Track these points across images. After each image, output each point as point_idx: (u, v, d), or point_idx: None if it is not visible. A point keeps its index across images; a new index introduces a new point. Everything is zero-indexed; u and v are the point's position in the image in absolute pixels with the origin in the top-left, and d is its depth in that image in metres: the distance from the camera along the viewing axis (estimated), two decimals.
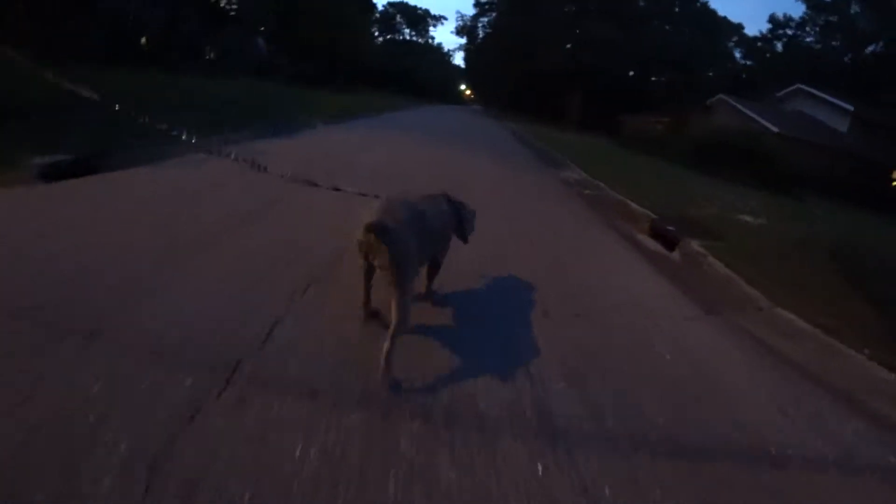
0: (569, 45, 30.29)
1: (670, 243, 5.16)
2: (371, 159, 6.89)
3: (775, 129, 19.36)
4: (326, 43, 24.85)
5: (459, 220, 2.47)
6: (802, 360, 2.95)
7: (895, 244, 8.05)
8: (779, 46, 36.92)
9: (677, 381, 2.33)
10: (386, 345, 1.72)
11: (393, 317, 1.76)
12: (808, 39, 35.71)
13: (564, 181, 8.08)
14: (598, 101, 29.95)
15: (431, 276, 2.48)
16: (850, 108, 21.42)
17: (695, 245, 4.86)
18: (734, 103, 22.94)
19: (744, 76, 35.34)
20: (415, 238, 1.87)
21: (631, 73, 31.90)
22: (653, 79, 33.55)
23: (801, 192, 14.66)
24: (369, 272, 2.00)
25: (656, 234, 5.48)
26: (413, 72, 39.57)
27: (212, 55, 19.43)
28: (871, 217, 13.60)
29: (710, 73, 35.34)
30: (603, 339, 2.65)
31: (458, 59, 59.92)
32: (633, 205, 6.39)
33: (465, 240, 2.59)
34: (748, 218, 7.06)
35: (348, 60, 27.94)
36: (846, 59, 33.24)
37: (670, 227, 5.38)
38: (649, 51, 29.99)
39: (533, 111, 30.06)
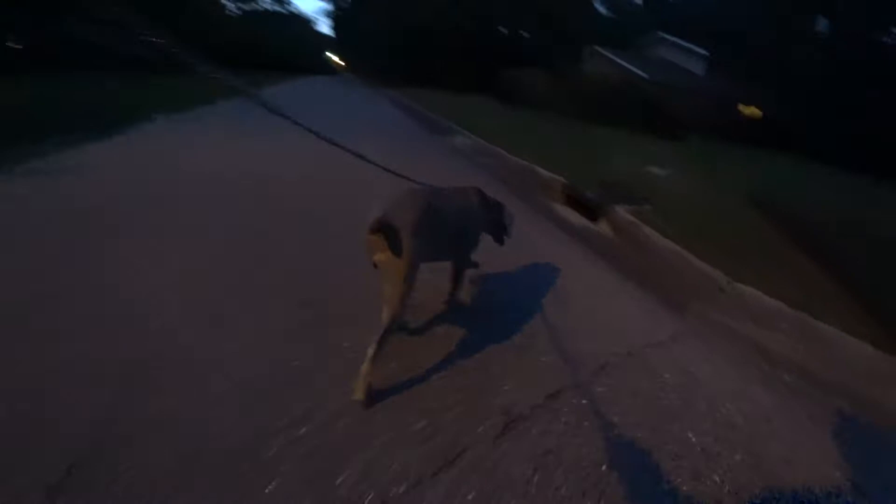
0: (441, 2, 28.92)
1: (591, 212, 4.28)
2: (220, 164, 5.06)
3: (646, 76, 20.07)
4: (166, 17, 20.81)
5: (494, 219, 2.27)
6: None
7: (813, 192, 8.14)
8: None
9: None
10: (370, 350, 1.54)
11: (383, 319, 1.58)
12: None
13: (459, 150, 6.98)
14: (474, 60, 29.26)
15: (455, 278, 2.24)
16: (707, 53, 23.04)
17: (622, 212, 4.01)
18: (606, 53, 23.49)
19: (609, 28, 36.75)
20: (425, 238, 1.63)
21: (503, 30, 31.43)
22: (524, 34, 33.46)
23: (681, 133, 15.21)
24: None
25: (573, 201, 4.59)
26: (275, 44, 35.44)
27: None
28: (743, 151, 14.50)
29: (577, 27, 36.07)
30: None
31: (326, 29, 55.92)
32: (541, 170, 5.46)
33: (500, 241, 2.38)
34: (656, 170, 6.53)
35: (197, 36, 23.66)
36: (697, 8, 35.94)
37: (588, 193, 4.51)
38: (518, 5, 29.74)
39: (410, 76, 28.48)
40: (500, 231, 2.31)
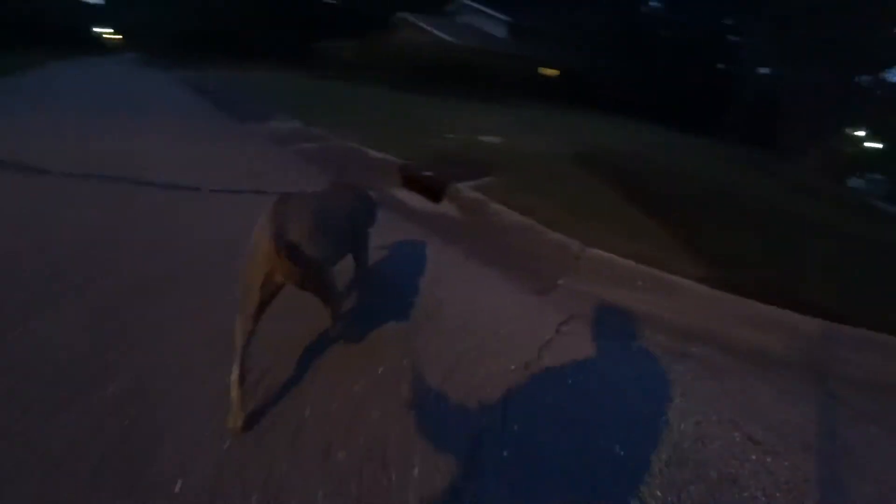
0: None
1: (434, 193, 3.94)
2: None
3: (457, 41, 20.59)
4: None
5: (371, 211, 2.16)
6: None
7: (634, 147, 8.96)
8: None
9: None
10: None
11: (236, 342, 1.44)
12: None
13: (275, 137, 6.00)
14: (281, 31, 26.79)
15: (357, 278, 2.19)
16: (508, 18, 24.60)
17: (466, 190, 3.74)
18: (414, 20, 23.46)
19: None
20: (327, 243, 1.56)
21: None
22: (331, 2, 31.65)
23: (497, 95, 15.98)
24: (265, 299, 1.47)
25: (413, 183, 4.19)
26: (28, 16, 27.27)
27: None
28: (553, 109, 15.89)
29: None
30: None
31: None
32: (371, 151, 4.92)
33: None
34: (492, 139, 6.50)
35: None
36: None
37: (427, 173, 4.15)
38: None
39: (211, 52, 24.78)
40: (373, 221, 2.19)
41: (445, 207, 3.73)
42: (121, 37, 40.00)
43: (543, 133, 8.09)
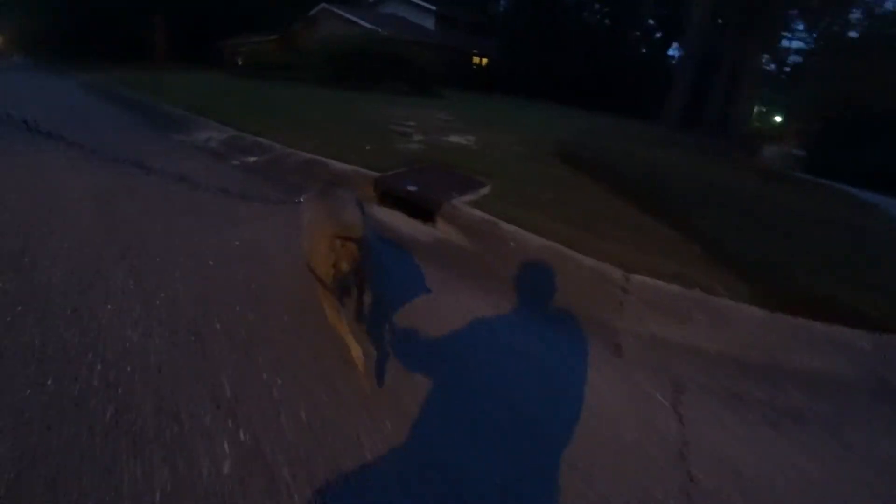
0: None
1: (423, 212, 3.34)
2: None
3: (384, 32, 19.66)
4: None
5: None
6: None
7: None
8: None
9: None
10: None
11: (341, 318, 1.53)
12: None
13: (209, 150, 5.04)
14: (187, 28, 24.32)
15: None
16: (434, 8, 23.93)
17: (464, 207, 3.18)
18: (338, 11, 22.19)
19: None
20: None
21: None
22: None
23: (433, 86, 15.39)
24: (342, 287, 1.62)
25: (393, 200, 3.56)
26: None
27: None
28: (491, 99, 15.56)
29: None
30: None
31: None
32: (334, 162, 4.20)
33: None
34: (459, 139, 5.95)
35: None
36: None
37: (411, 187, 3.53)
38: None
39: (108, 54, 21.87)
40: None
41: (442, 230, 3.15)
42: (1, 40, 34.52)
43: (505, 128, 7.67)
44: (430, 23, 24.29)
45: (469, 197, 3.39)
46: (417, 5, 24.49)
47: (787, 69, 24.78)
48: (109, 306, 1.83)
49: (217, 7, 24.99)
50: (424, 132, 6.23)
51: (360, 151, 4.61)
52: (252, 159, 4.70)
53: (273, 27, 23.98)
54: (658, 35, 30.72)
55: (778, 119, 25.63)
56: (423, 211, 3.33)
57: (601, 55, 26.74)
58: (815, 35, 22.13)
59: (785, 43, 22.70)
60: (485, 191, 3.58)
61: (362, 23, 20.78)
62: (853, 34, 20.64)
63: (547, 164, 5.14)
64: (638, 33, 30.96)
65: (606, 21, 29.94)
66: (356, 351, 1.46)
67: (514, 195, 3.51)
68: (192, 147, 5.23)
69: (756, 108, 24.80)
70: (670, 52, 30.71)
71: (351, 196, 1.88)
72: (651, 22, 30.44)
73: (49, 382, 1.40)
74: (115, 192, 3.25)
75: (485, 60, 26.52)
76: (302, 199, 2.15)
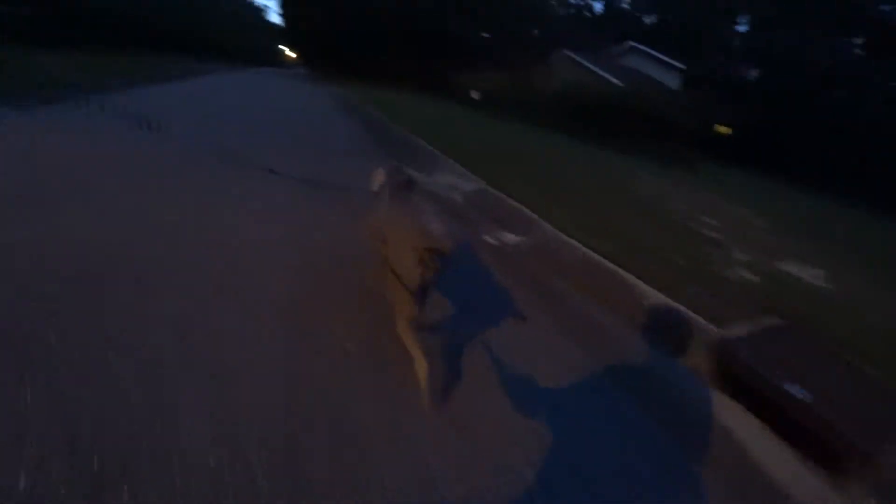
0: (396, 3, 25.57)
1: (833, 459, 1.73)
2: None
3: (620, 84, 18.21)
4: None
5: None
6: None
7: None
8: (597, 7, 37.51)
9: None
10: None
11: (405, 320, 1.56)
12: (622, 4, 36.93)
13: (451, 205, 4.26)
14: (433, 61, 26.30)
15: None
16: (680, 65, 21.73)
17: None
18: (577, 58, 21.52)
19: (567, 35, 35.35)
20: None
21: (463, 33, 28.48)
22: (485, 35, 30.69)
23: (675, 152, 13.36)
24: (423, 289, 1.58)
25: (743, 388, 2.03)
26: (216, 30, 30.34)
27: None
28: (746, 176, 12.82)
29: (536, 32, 33.93)
30: None
31: (275, 18, 51.14)
32: (643, 285, 2.86)
33: None
34: (798, 270, 4.14)
35: (95, 7, 17.63)
36: (649, 21, 35.13)
37: (795, 391, 1.95)
38: (479, 7, 26.91)
39: (364, 73, 25.04)
40: None
41: None
42: (293, 54, 43.85)
43: (835, 245, 5.46)
44: (673, 80, 21.98)
45: None
46: (662, 61, 22.45)
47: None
48: None
49: (459, 48, 26.46)
50: (741, 242, 4.51)
51: (666, 266, 3.19)
52: (511, 239, 3.65)
53: (505, 65, 24.44)
54: None
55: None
56: (828, 454, 1.73)
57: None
58: None
59: None
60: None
61: (602, 73, 19.67)
62: None
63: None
64: None
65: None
66: (421, 363, 1.46)
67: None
68: (430, 195, 4.44)
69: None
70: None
71: (426, 198, 1.80)
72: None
73: None
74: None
75: (729, 129, 23.00)
76: (375, 187, 2.05)
